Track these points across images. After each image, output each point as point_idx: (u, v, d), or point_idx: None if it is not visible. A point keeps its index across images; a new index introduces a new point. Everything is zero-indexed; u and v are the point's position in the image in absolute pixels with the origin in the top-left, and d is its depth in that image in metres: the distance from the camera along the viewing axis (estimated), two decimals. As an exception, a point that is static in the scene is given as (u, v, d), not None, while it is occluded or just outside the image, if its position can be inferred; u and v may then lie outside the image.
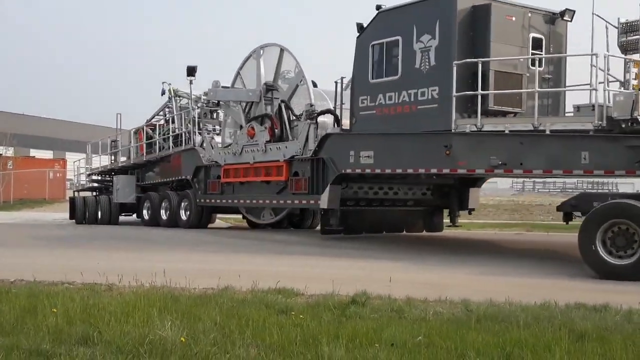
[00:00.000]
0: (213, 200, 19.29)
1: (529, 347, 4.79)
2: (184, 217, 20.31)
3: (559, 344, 4.86)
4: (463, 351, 4.71)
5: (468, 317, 5.99)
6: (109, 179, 26.22)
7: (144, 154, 23.53)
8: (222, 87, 19.38)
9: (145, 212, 22.17)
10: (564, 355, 4.55)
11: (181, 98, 23.61)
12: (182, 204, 20.52)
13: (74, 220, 24.85)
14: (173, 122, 23.06)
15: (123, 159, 25.70)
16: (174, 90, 23.67)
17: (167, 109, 24.21)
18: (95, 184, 27.01)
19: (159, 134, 23.20)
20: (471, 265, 11.34)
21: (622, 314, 6.17)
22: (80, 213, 24.77)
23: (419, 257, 12.60)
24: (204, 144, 20.21)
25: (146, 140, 23.81)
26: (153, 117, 24.78)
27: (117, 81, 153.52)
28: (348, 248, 14.25)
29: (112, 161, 26.32)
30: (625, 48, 12.02)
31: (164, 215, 20.98)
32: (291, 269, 10.41)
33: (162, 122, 24.31)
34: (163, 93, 23.97)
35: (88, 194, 26.66)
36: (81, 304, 6.20)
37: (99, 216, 23.95)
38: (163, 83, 23.99)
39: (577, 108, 11.61)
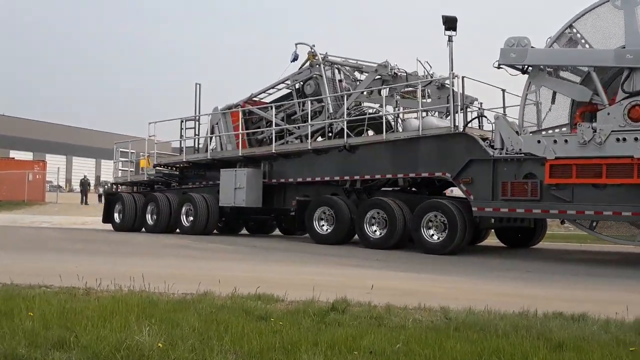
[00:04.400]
0: (518, 210, 13.63)
1: (506, 356, 4.81)
2: (428, 237, 14.53)
3: (537, 353, 4.89)
4: (441, 359, 4.72)
5: (447, 325, 6.00)
6: (176, 172, 21.50)
7: (242, 141, 18.69)
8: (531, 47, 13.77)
9: (315, 223, 16.56)
10: (541, 364, 4.58)
11: (331, 65, 18.35)
12: (427, 215, 14.52)
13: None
14: (317, 100, 17.89)
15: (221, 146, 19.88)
16: (321, 55, 18.21)
17: (299, 82, 18.81)
18: (158, 178, 21.69)
19: (283, 114, 18.52)
20: (454, 274, 11.39)
21: (599, 324, 6.21)
22: (130, 217, 19.99)
23: (403, 265, 12.62)
24: (495, 128, 14.24)
25: (244, 122, 19.08)
26: (263, 92, 19.82)
27: (99, 82, 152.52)
28: (331, 255, 14.22)
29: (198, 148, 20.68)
30: None
31: (369, 231, 15.46)
32: (272, 275, 10.37)
33: (266, 98, 19.65)
34: (295, 59, 18.51)
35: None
36: (58, 308, 6.13)
37: (185, 223, 18.72)
38: (297, 45, 18.49)
39: None
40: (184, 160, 20.76)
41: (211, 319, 5.88)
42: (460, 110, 14.85)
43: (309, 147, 17.36)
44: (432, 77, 17.00)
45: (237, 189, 17.89)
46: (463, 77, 14.88)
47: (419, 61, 17.30)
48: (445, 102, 15.89)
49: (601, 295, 9.10)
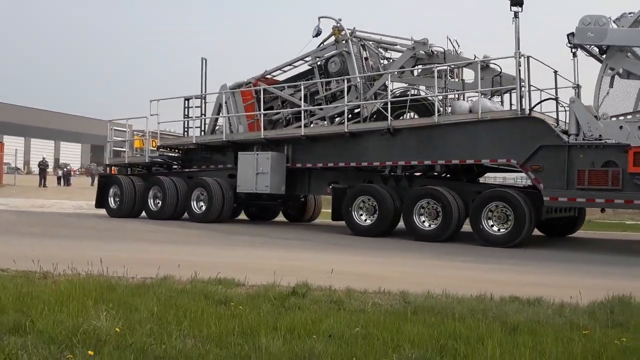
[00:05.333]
0: (597, 200, 12.83)
1: (462, 339, 4.90)
2: (490, 230, 13.52)
3: (492, 336, 4.97)
4: (399, 342, 4.77)
5: (405, 309, 6.08)
6: (177, 155, 19.92)
7: (257, 122, 17.19)
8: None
9: (354, 213, 15.16)
10: (495, 347, 4.66)
11: (359, 41, 16.94)
12: (488, 206, 13.52)
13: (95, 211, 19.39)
14: (345, 79, 16.19)
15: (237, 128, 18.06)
16: (348, 30, 16.77)
17: (322, 59, 17.18)
18: (159, 160, 19.95)
19: (306, 94, 16.79)
20: (416, 258, 11.53)
21: (554, 308, 6.36)
22: (128, 201, 18.38)
23: (365, 249, 12.70)
24: (575, 113, 13.19)
25: (257, 101, 17.35)
26: (278, 69, 18.25)
27: (58, 63, 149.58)
28: (295, 239, 14.26)
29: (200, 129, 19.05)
30: None
31: (418, 222, 14.22)
32: (235, 259, 10.36)
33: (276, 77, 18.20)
34: (318, 34, 17.00)
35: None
36: (14, 292, 6.03)
37: (196, 210, 17.42)
38: (320, 18, 16.94)
39: None
40: (194, 142, 18.83)
41: (170, 304, 5.86)
42: (527, 92, 13.56)
43: (346, 130, 15.74)
44: (460, 56, 16.09)
45: (259, 174, 16.56)
46: (529, 57, 13.49)
47: (449, 39, 16.34)
48: (490, 83, 15.14)
49: (557, 279, 9.30)
